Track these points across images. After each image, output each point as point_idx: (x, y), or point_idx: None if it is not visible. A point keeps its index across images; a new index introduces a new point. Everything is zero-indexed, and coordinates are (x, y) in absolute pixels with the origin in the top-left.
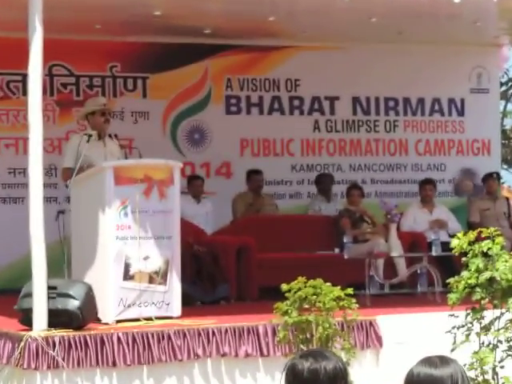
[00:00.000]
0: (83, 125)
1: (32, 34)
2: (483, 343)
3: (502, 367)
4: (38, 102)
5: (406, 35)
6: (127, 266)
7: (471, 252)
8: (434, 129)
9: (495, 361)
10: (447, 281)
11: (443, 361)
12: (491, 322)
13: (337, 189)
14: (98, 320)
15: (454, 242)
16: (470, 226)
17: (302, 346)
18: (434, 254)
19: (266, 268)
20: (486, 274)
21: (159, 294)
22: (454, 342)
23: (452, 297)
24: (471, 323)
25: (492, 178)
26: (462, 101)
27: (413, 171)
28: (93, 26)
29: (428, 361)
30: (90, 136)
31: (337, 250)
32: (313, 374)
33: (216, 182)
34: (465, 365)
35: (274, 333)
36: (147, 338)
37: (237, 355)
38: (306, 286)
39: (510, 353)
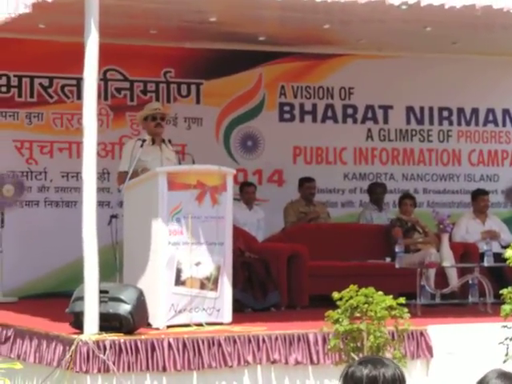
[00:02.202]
0: (137, 130)
1: (87, 38)
2: None
3: None
4: (93, 106)
5: (461, 45)
6: (179, 272)
7: None
8: (488, 139)
9: None
10: (500, 292)
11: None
12: None
13: (389, 198)
14: (149, 325)
15: (508, 253)
16: None
17: (352, 355)
18: (485, 264)
19: (317, 276)
20: None
21: (210, 300)
22: (507, 353)
23: (506, 308)
24: None
25: None
26: None
27: (465, 181)
28: (148, 31)
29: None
30: (144, 141)
31: (388, 260)
32: (372, 381)
33: (268, 189)
34: None
35: (325, 341)
36: (197, 344)
37: (287, 363)
38: (357, 295)
39: None
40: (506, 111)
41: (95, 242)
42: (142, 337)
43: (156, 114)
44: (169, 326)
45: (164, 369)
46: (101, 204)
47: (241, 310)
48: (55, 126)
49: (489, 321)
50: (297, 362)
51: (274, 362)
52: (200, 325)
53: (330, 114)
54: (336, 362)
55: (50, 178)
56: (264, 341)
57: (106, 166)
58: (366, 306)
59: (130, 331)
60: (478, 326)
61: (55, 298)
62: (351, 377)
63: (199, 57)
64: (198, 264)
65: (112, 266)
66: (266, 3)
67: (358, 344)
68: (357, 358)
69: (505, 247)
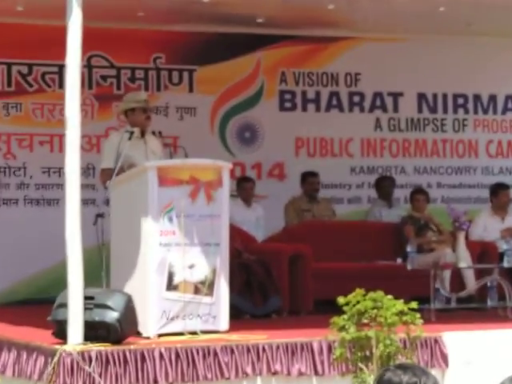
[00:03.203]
0: (124, 121)
1: (70, 21)
2: None
3: None
4: (76, 95)
5: (477, 27)
6: (171, 275)
7: None
8: (507, 128)
9: None
10: None
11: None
12: None
13: (399, 193)
14: (139, 334)
15: None
16: None
17: (360, 365)
18: (505, 265)
19: (322, 279)
20: None
21: (205, 305)
22: None
23: None
24: None
25: None
26: None
27: (483, 175)
28: (135, 13)
29: None
30: (132, 133)
31: (399, 260)
32: None
33: (268, 184)
34: None
35: (330, 350)
36: (191, 354)
37: (289, 374)
38: (365, 299)
39: None
40: None
41: (79, 244)
42: (131, 347)
43: (146, 106)
44: (160, 335)
45: (155, 381)
46: (85, 202)
47: (239, 317)
48: (35, 117)
49: (509, 327)
50: (300, 373)
51: (275, 373)
52: (194, 333)
53: (334, 102)
54: (342, 373)
55: (30, 174)
56: (264, 350)
57: (90, 160)
58: (375, 311)
59: (117, 341)
60: (498, 333)
61: (36, 305)
62: (388, 383)
63: (192, 41)
64: (191, 267)
65: (98, 269)
66: None
67: (367, 353)
68: (365, 369)
69: None
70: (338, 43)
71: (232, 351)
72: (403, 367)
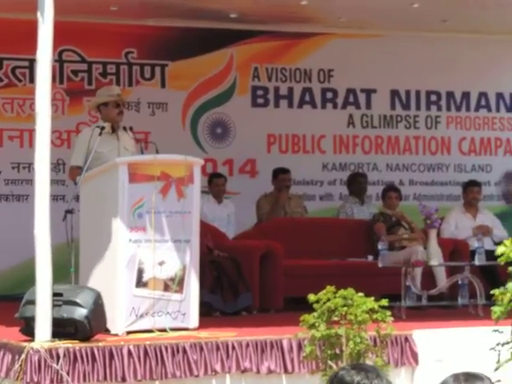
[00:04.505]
0: (95, 116)
1: (41, 15)
2: None
3: None
4: (47, 90)
5: (451, 23)
6: (140, 272)
7: None
8: (480, 126)
9: None
10: (491, 292)
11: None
12: None
13: (371, 190)
14: (107, 331)
15: (500, 250)
16: None
17: (330, 363)
18: (477, 263)
19: (293, 276)
20: None
21: (175, 303)
22: (498, 360)
23: (496, 310)
24: None
25: None
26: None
27: (456, 172)
28: (108, 7)
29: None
30: (103, 128)
31: (370, 258)
32: None
33: (240, 181)
34: None
35: (300, 348)
36: (160, 352)
37: (258, 371)
38: (335, 297)
39: None
40: (499, 95)
41: (48, 240)
42: (100, 344)
43: (119, 100)
44: (129, 332)
45: (123, 379)
46: (55, 198)
47: (209, 314)
48: (5, 111)
49: (480, 324)
50: (269, 371)
51: (244, 370)
52: (163, 330)
53: (307, 98)
54: (312, 371)
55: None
56: (234, 348)
57: (60, 156)
58: (345, 308)
59: (86, 338)
60: (468, 331)
61: (3, 302)
62: (340, 381)
63: (164, 36)
64: (161, 263)
65: (67, 266)
66: None
67: (337, 351)
68: (335, 366)
69: (498, 244)
70: (311, 39)
71: (201, 348)
72: (358, 367)
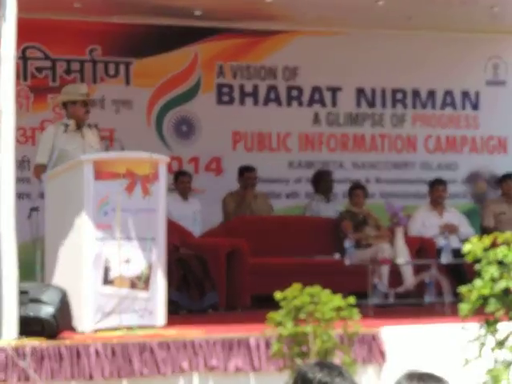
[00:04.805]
0: (60, 113)
1: (4, 11)
2: (497, 359)
3: None
4: (11, 87)
5: (416, 21)
6: (106, 270)
7: (485, 259)
8: (446, 124)
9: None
10: (458, 290)
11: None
12: (507, 337)
13: (338, 188)
14: (74, 329)
15: (467, 248)
16: (484, 231)
17: (297, 361)
18: (443, 261)
19: (259, 274)
20: (502, 284)
21: (141, 301)
22: (466, 357)
23: (464, 308)
24: (484, 337)
25: (509, 178)
26: (477, 93)
27: (422, 170)
28: (71, 4)
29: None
30: (67, 126)
31: (337, 256)
32: None
33: (205, 178)
34: (477, 383)
35: (268, 345)
36: (127, 350)
37: (226, 369)
38: (302, 294)
39: None
40: (465, 93)
41: (13, 238)
42: (66, 342)
43: (87, 100)
44: (96, 330)
45: (91, 377)
46: (20, 196)
47: (175, 312)
48: None
49: (447, 322)
50: (237, 369)
51: (212, 368)
52: (130, 328)
53: (272, 96)
54: (280, 369)
55: None
56: (201, 346)
57: (25, 153)
58: (312, 306)
59: (52, 336)
60: (436, 328)
61: None
62: (302, 377)
63: (129, 33)
64: (127, 261)
65: (32, 264)
66: None
67: (304, 349)
68: (302, 364)
69: (464, 242)
70: (276, 36)
71: (168, 347)
72: (322, 365)
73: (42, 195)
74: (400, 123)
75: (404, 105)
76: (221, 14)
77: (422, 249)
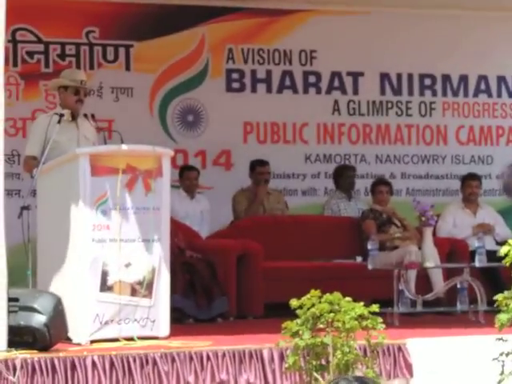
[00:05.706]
0: (53, 102)
1: None
2: None
3: None
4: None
5: None
6: (105, 275)
7: None
8: (480, 113)
9: None
10: (494, 298)
11: None
12: None
13: (360, 184)
14: (69, 340)
15: (504, 250)
16: None
17: (315, 375)
18: (477, 264)
19: (273, 279)
20: None
21: (143, 309)
22: (502, 371)
23: (501, 317)
24: None
25: None
26: None
27: (453, 164)
28: None
29: None
30: (62, 116)
31: (359, 259)
32: None
33: (214, 174)
34: None
35: (282, 358)
36: (128, 363)
37: None
38: (320, 302)
39: None
40: (501, 78)
41: (3, 239)
42: (60, 354)
43: (80, 87)
44: (93, 341)
45: None
46: (10, 193)
47: (181, 321)
48: None
49: (481, 333)
50: None
51: (220, 383)
52: (131, 339)
53: (287, 82)
54: None
55: None
56: (209, 358)
57: (15, 146)
58: (332, 315)
59: (45, 347)
60: (468, 339)
61: None
62: None
63: (129, 13)
64: (128, 265)
65: (24, 268)
66: None
67: (323, 361)
68: (320, 379)
69: (500, 244)
70: (291, 16)
71: (173, 359)
72: (360, 380)
73: (33, 192)
74: (429, 112)
75: (433, 92)
76: None
77: (454, 251)
